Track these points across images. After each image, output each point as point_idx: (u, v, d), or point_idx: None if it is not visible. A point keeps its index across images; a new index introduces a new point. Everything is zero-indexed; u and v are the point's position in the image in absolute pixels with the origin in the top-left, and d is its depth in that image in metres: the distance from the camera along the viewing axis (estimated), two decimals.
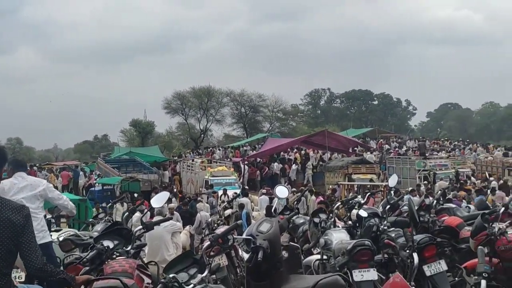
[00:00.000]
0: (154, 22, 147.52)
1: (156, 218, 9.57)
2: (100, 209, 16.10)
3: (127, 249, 6.84)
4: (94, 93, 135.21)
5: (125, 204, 17.52)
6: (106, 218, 10.78)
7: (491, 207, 11.25)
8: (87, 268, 6.11)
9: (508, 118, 76.48)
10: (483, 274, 3.58)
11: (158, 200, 8.01)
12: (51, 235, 8.01)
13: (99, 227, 9.35)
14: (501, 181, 23.55)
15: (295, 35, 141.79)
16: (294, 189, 26.58)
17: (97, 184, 31.76)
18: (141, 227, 7.30)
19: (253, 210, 20.13)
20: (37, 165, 43.75)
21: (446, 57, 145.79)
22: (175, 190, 29.10)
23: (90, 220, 13.35)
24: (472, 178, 27.93)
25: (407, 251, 7.13)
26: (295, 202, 15.19)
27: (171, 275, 4.83)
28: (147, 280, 5.67)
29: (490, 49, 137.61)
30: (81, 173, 37.73)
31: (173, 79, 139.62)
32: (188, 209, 18.07)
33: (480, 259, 3.85)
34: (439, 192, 17.00)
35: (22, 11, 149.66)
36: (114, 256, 6.47)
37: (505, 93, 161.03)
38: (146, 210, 10.36)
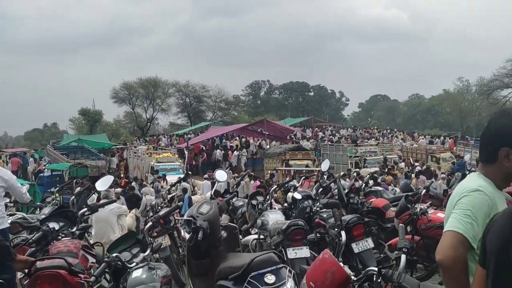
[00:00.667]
0: (100, 16, 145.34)
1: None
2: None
3: (72, 230, 6.72)
4: (44, 83, 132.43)
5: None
6: (53, 201, 10.59)
7: (415, 190, 11.51)
8: (33, 249, 5.98)
9: (432, 109, 78.33)
10: (403, 250, 3.63)
11: (103, 183, 7.90)
12: None
13: (46, 210, 9.13)
14: (424, 166, 24.14)
15: (237, 30, 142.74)
16: (235, 174, 26.58)
17: (46, 170, 31.05)
18: (86, 209, 7.18)
19: (196, 194, 20.10)
20: None
21: (376, 52, 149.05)
22: (121, 175, 28.88)
23: (38, 203, 13.12)
24: (398, 164, 28.48)
25: (336, 230, 7.22)
26: (235, 186, 15.16)
27: (114, 254, 4.78)
28: (91, 259, 5.57)
29: (415, 45, 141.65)
30: (30, 159, 37.14)
31: (120, 71, 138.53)
32: (134, 193, 17.94)
33: (400, 236, 3.91)
34: (367, 176, 17.32)
35: None
36: (60, 237, 6.33)
37: (429, 86, 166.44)
38: (91, 193, 10.20)
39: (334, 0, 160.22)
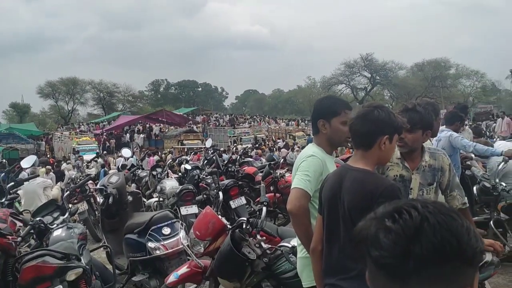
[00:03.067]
0: (23, 27, 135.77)
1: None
2: None
3: (1, 201, 6.27)
4: None
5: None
6: None
7: (276, 160, 11.82)
8: None
9: (289, 100, 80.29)
10: (264, 203, 3.70)
11: (27, 161, 7.49)
12: None
13: None
14: (284, 142, 24.80)
15: (137, 40, 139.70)
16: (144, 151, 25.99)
17: None
18: (13, 183, 6.72)
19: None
20: None
21: (245, 57, 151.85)
22: (48, 156, 27.51)
23: None
24: (265, 141, 29.06)
25: (216, 191, 7.27)
26: (140, 161, 14.78)
27: (38, 218, 4.52)
28: (19, 224, 5.21)
29: (274, 52, 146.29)
30: None
31: (44, 72, 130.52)
32: (60, 170, 17.14)
33: (262, 193, 3.99)
34: (242, 150, 17.55)
35: None
36: None
37: (287, 83, 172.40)
38: (17, 170, 9.57)
39: (212, 18, 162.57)
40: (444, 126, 5.45)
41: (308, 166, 2.69)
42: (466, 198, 2.98)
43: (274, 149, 21.76)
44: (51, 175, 13.46)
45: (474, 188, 5.58)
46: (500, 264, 3.23)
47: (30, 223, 4.45)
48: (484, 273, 3.01)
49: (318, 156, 2.72)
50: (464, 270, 0.89)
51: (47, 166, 14.18)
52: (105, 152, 27.23)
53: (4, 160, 20.61)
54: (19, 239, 4.34)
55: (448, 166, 2.86)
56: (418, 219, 0.89)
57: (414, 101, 3.11)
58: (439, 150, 3.01)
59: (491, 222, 5.12)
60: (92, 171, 16.31)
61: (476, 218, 5.26)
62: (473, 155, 6.16)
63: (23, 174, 10.34)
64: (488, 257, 2.85)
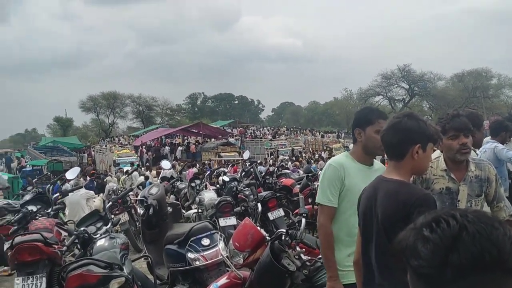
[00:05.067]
0: (64, 44, 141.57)
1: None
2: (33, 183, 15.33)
3: (47, 211, 6.48)
4: (23, 97, 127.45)
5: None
6: (33, 189, 10.12)
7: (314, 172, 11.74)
8: (15, 227, 5.72)
9: (325, 112, 79.83)
10: (303, 215, 3.68)
11: (71, 173, 7.70)
12: None
13: (27, 197, 8.69)
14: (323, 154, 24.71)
15: (174, 55, 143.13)
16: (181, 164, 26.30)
17: (28, 165, 29.83)
18: (58, 194, 6.94)
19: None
20: None
21: (281, 70, 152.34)
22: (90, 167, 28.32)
23: (20, 192, 12.58)
24: (302, 154, 28.95)
25: (254, 203, 7.27)
26: (179, 173, 14.95)
27: (82, 228, 4.64)
28: (64, 233, 5.37)
29: (306, 65, 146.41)
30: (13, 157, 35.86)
31: (86, 87, 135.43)
32: (101, 182, 17.57)
33: (301, 205, 3.96)
34: (280, 162, 17.53)
35: None
36: (37, 217, 6.10)
37: (323, 95, 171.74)
38: (63, 182, 9.86)
39: (245, 32, 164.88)
40: (490, 137, 5.29)
41: (323, 175, 2.90)
42: None
43: (312, 161, 21.65)
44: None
45: None
46: None
47: (75, 233, 4.57)
48: None
49: (334, 164, 2.86)
50: (505, 281, 0.86)
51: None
52: (147, 164, 27.66)
53: (49, 172, 21.31)
54: (64, 248, 4.47)
55: (495, 176, 2.78)
56: (456, 228, 0.89)
57: (454, 109, 3.07)
58: (484, 161, 2.93)
59: None
60: (127, 184, 16.66)
61: None
62: None
63: (67, 186, 10.67)
64: None
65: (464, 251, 0.86)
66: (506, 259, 0.85)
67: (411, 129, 2.14)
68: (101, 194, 13.51)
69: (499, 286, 0.87)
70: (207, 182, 9.91)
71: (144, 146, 34.70)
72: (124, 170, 20.54)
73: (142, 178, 15.61)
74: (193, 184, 9.60)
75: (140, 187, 12.84)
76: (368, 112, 2.96)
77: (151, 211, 5.79)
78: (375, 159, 3.05)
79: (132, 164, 20.13)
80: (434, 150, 2.38)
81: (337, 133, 42.60)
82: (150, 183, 16.05)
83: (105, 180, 17.41)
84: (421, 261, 0.90)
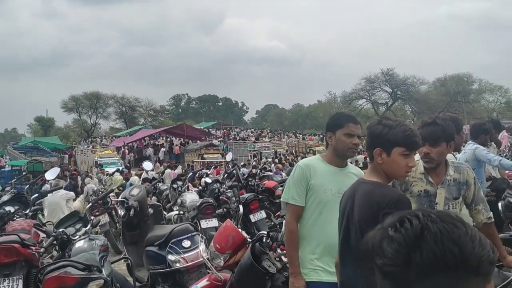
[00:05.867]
0: (48, 43, 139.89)
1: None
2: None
3: (25, 212, 6.39)
4: (3, 96, 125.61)
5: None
6: (12, 190, 9.99)
7: None
8: None
9: (309, 115, 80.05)
10: (284, 217, 3.70)
11: (51, 173, 7.62)
12: None
13: (5, 197, 8.57)
14: (305, 156, 24.73)
15: (158, 56, 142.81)
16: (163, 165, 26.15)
17: (7, 165, 29.43)
18: (37, 195, 6.85)
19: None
20: None
21: (265, 72, 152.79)
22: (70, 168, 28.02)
23: None
24: (286, 156, 28.98)
25: (236, 204, 7.27)
26: (160, 174, 14.87)
27: (60, 230, 4.59)
28: (42, 235, 5.29)
29: (291, 67, 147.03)
30: None
31: (68, 87, 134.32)
32: (75, 183, 17.44)
33: (282, 207, 4.01)
34: (263, 165, 17.55)
35: None
36: (15, 218, 6.01)
37: (306, 97, 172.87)
38: (40, 182, 9.74)
39: (230, 34, 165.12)
40: (470, 140, 5.37)
41: (290, 176, 3.10)
42: (491, 212, 2.93)
43: (295, 163, 21.66)
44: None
45: (499, 204, 5.48)
46: None
47: (53, 234, 4.52)
48: None
49: (301, 165, 3.03)
50: (469, 280, 0.88)
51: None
52: (128, 165, 27.45)
53: (27, 173, 21.02)
54: (42, 250, 4.41)
55: (473, 179, 2.83)
56: (418, 228, 0.90)
57: (434, 115, 3.09)
58: (463, 164, 2.97)
59: None
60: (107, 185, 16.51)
61: (502, 235, 5.14)
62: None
63: (46, 186, 10.53)
64: None
65: (427, 250, 0.87)
66: (468, 258, 0.87)
67: (373, 134, 2.24)
68: (81, 195, 13.37)
69: (463, 285, 0.88)
70: (189, 184, 9.87)
71: (126, 147, 34.46)
72: (110, 172, 20.37)
73: (121, 178, 15.52)
74: (175, 186, 9.58)
75: (121, 188, 12.77)
76: (338, 117, 3.09)
77: (132, 212, 5.77)
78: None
79: (118, 170, 20.04)
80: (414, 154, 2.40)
81: (319, 135, 42.75)
82: (131, 185, 16.01)
83: (84, 181, 17.18)
84: (386, 260, 0.91)
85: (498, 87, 54.05)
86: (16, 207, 6.54)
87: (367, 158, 2.64)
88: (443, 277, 0.87)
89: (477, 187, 2.86)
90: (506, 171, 6.32)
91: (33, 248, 4.32)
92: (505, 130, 18.26)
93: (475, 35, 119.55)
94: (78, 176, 20.89)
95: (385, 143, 2.20)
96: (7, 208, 6.33)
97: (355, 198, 2.24)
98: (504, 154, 9.34)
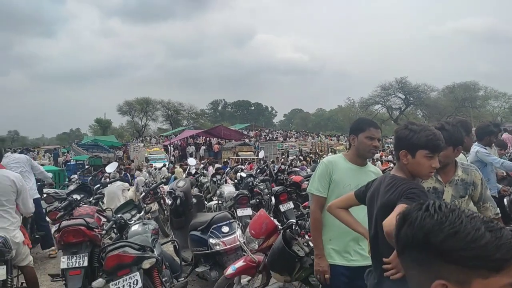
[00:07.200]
0: (104, 57, 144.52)
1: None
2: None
3: (89, 200, 6.54)
4: (70, 102, 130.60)
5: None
6: (77, 181, 10.24)
7: None
8: (62, 213, 5.79)
9: (331, 118, 79.33)
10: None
11: (111, 167, 7.75)
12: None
13: (72, 187, 8.81)
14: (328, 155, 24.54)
15: (198, 66, 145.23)
16: (203, 161, 26.32)
17: (72, 160, 30.18)
18: (99, 185, 6.99)
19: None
20: (30, 148, 41.40)
21: (291, 80, 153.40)
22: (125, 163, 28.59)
23: (66, 182, 12.74)
24: (310, 154, 28.80)
25: (268, 196, 7.26)
26: (202, 169, 14.97)
27: (119, 215, 4.68)
28: (103, 219, 5.42)
29: (312, 76, 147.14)
30: (60, 153, 36.35)
31: (123, 94, 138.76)
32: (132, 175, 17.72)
33: (309, 199, 3.95)
34: (290, 161, 17.47)
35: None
36: (81, 204, 6.16)
37: (328, 102, 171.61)
38: (101, 175, 9.94)
39: (259, 47, 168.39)
40: (476, 142, 5.22)
41: (316, 170, 3.09)
42: (498, 208, 2.85)
43: (318, 160, 21.51)
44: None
45: (505, 200, 5.30)
46: None
47: (113, 219, 4.61)
48: None
49: (325, 161, 3.04)
50: (435, 261, 0.92)
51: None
52: (172, 159, 27.71)
53: (89, 166, 21.50)
54: (103, 232, 4.52)
55: (480, 180, 2.76)
56: (406, 212, 1.00)
57: (443, 121, 3.02)
58: (472, 166, 2.89)
59: None
60: (157, 178, 16.72)
61: (508, 227, 4.98)
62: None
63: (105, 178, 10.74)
64: None
65: (404, 231, 0.98)
66: (433, 243, 0.92)
67: (400, 137, 2.21)
68: (132, 187, 13.61)
69: (429, 264, 0.93)
70: (227, 177, 9.91)
71: (172, 145, 34.86)
72: (158, 166, 20.64)
73: (166, 171, 15.68)
74: (214, 179, 9.62)
75: (165, 179, 12.92)
76: (361, 122, 3.06)
77: (178, 201, 5.81)
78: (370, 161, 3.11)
79: (164, 165, 20.28)
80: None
81: (337, 136, 42.29)
82: (175, 178, 16.20)
83: (135, 175, 17.45)
84: (395, 235, 1.03)
85: (502, 94, 52.51)
86: (82, 195, 6.69)
87: (392, 157, 2.60)
88: (413, 254, 0.96)
89: (484, 187, 2.78)
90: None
91: (96, 230, 4.43)
92: (507, 132, 17.73)
93: (481, 47, 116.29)
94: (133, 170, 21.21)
95: (410, 146, 2.16)
96: (74, 196, 6.49)
97: (380, 188, 2.22)
98: (509, 155, 9.01)
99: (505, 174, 5.93)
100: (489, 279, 0.88)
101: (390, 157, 17.30)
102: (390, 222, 1.81)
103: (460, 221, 0.91)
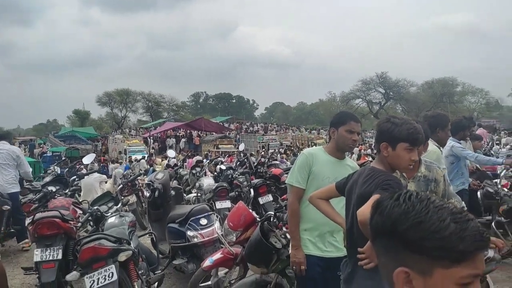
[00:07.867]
0: (84, 46, 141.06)
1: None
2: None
3: (65, 192, 6.44)
4: (47, 91, 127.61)
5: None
6: (52, 173, 10.06)
7: None
8: (36, 205, 5.69)
9: (312, 112, 79.73)
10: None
11: (88, 158, 7.65)
12: None
13: (48, 178, 8.65)
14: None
15: (180, 58, 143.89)
16: (183, 153, 26.19)
17: (48, 151, 29.63)
18: (75, 177, 6.89)
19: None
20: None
21: (273, 74, 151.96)
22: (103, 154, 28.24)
23: (41, 174, 12.49)
24: (290, 147, 28.93)
25: (247, 188, 7.27)
26: (181, 161, 14.93)
27: (95, 207, 4.62)
28: (79, 211, 5.35)
29: (294, 70, 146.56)
30: (36, 144, 35.63)
31: (102, 85, 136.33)
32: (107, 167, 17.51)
33: (288, 191, 3.97)
34: (270, 155, 17.51)
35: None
36: (56, 196, 6.06)
37: (309, 96, 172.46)
38: (77, 167, 9.79)
39: (242, 39, 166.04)
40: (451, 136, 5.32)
41: (295, 162, 3.10)
42: (463, 203, 2.94)
43: (298, 153, 21.61)
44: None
45: (478, 192, 5.43)
46: (501, 260, 3.14)
47: (89, 211, 4.56)
48: (486, 268, 2.93)
49: (306, 153, 3.06)
50: (401, 251, 0.94)
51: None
52: (152, 152, 27.45)
53: (66, 158, 21.16)
54: (79, 224, 4.46)
55: (442, 177, 2.82)
56: (376, 203, 1.03)
57: (422, 115, 3.09)
58: (434, 163, 2.95)
59: (493, 223, 4.99)
60: (136, 170, 16.57)
61: (479, 219, 5.11)
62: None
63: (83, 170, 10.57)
64: (490, 253, 2.80)
65: (376, 219, 1.01)
66: (400, 232, 0.94)
67: (381, 129, 2.25)
68: (110, 179, 13.46)
69: (396, 252, 0.95)
70: (206, 170, 9.89)
71: (151, 137, 34.55)
72: (138, 158, 20.42)
73: (144, 164, 15.54)
74: (194, 171, 9.60)
75: (143, 172, 12.81)
76: (342, 115, 3.07)
77: (156, 193, 5.78)
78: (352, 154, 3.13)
79: (143, 157, 20.05)
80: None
81: (317, 130, 42.58)
82: (153, 169, 16.10)
83: (110, 167, 17.25)
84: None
85: (479, 90, 53.72)
86: (57, 187, 6.58)
87: (371, 151, 2.62)
88: (385, 241, 0.98)
89: (447, 183, 2.87)
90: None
91: (72, 222, 4.38)
92: (481, 127, 18.12)
93: (459, 43, 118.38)
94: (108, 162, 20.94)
95: (391, 138, 2.20)
96: (50, 188, 6.38)
97: (358, 180, 2.25)
98: (483, 149, 9.22)
99: (475, 168, 6.06)
100: (451, 269, 0.88)
101: (369, 151, 17.50)
102: (363, 211, 1.85)
103: (426, 211, 0.92)
